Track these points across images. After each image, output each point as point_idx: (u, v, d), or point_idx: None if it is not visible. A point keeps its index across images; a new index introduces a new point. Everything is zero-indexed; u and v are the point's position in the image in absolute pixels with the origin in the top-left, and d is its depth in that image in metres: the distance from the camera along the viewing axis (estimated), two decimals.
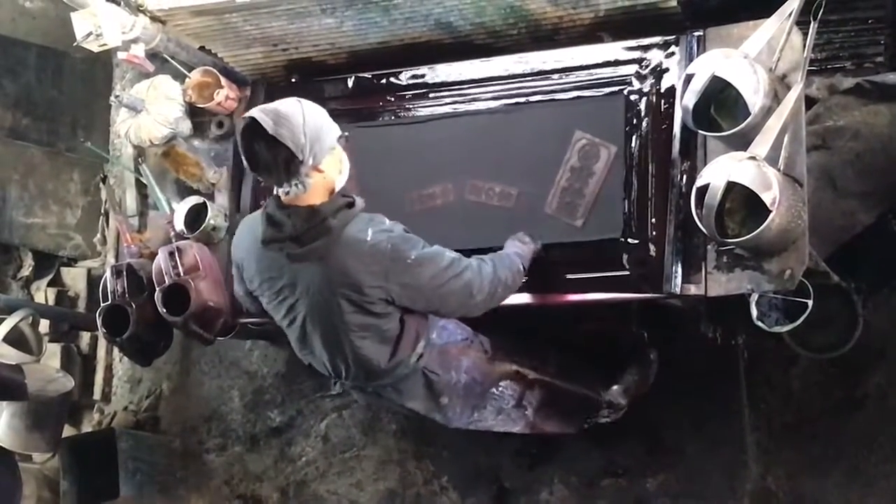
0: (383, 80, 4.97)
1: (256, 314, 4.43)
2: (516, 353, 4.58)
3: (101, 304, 4.98)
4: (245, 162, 3.75)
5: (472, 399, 4.50)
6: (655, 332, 5.06)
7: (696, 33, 4.44)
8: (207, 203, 4.98)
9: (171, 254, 4.81)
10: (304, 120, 3.68)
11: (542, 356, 4.77)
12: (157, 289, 4.78)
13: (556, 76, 4.67)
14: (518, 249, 4.28)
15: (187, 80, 5.11)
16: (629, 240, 4.38)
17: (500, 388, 4.57)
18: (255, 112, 3.66)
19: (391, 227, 3.89)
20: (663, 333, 5.05)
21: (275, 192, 3.85)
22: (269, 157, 3.67)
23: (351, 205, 3.85)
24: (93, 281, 6.68)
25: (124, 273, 4.94)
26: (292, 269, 3.89)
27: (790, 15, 3.98)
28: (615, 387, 4.98)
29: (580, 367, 4.96)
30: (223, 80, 5.06)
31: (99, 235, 6.77)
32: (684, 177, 4.33)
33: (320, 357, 4.17)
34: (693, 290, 4.28)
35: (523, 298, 4.47)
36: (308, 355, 4.24)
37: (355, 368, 4.13)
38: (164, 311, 4.75)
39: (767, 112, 3.97)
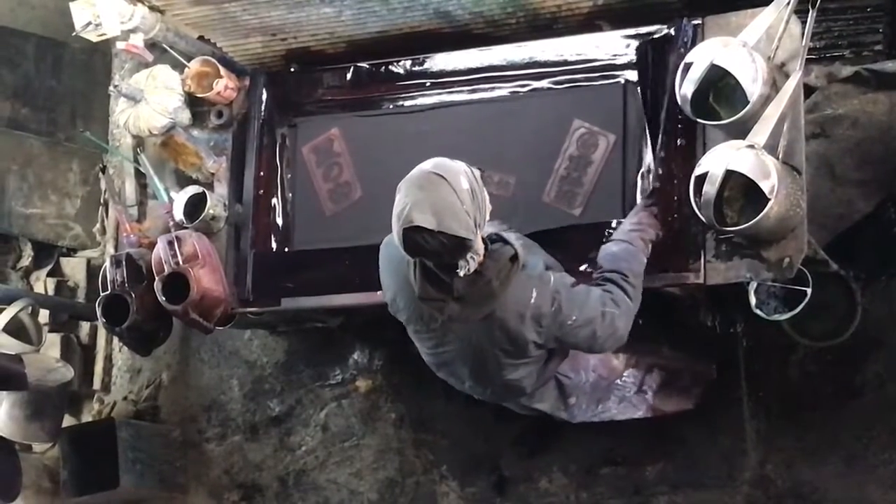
0: (382, 70, 4.97)
1: None
2: (633, 339, 4.55)
3: (101, 294, 4.98)
4: (409, 256, 3.59)
5: (598, 393, 4.50)
6: (653, 320, 5.05)
7: (695, 22, 4.43)
8: (207, 193, 4.98)
9: (171, 243, 4.81)
10: (460, 198, 3.48)
11: (654, 338, 4.74)
12: (157, 277, 4.78)
13: (554, 65, 4.67)
14: (639, 247, 4.14)
15: (186, 69, 5.10)
16: None
17: (624, 378, 4.57)
18: (413, 214, 3.42)
19: (555, 286, 3.78)
20: (662, 322, 5.04)
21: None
22: (439, 247, 3.48)
23: (514, 258, 3.69)
24: (92, 271, 6.67)
25: (124, 262, 4.94)
26: (449, 322, 3.79)
27: (788, 3, 3.97)
28: None
29: (687, 343, 4.95)
30: (222, 70, 5.05)
31: (98, 225, 6.77)
32: (683, 165, 4.32)
33: (464, 382, 4.15)
34: (692, 278, 4.28)
35: None
36: (445, 376, 4.20)
37: (502, 392, 4.15)
38: (164, 299, 4.76)
39: (766, 100, 3.97)
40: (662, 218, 4.28)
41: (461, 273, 3.58)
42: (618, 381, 4.57)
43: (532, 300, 3.71)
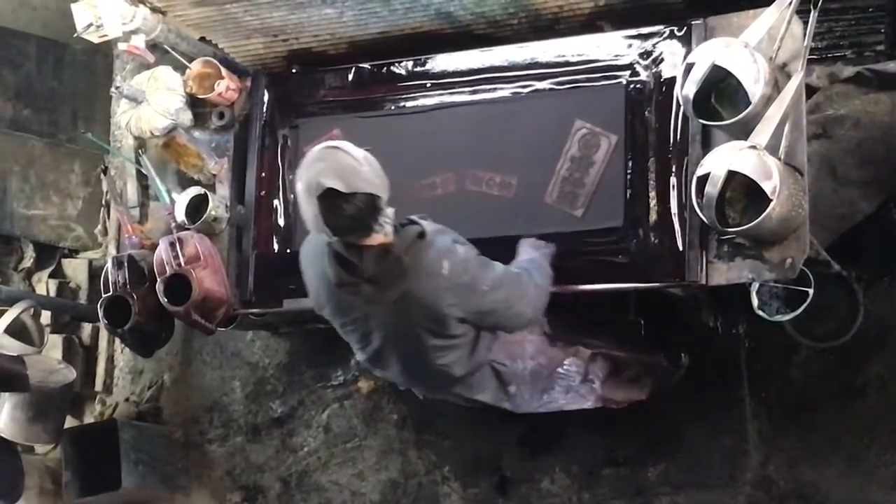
0: (383, 71, 4.96)
1: None
2: (573, 329, 4.57)
3: (103, 295, 4.99)
4: (329, 228, 3.65)
5: (540, 383, 4.49)
6: (654, 321, 5.05)
7: (696, 22, 4.43)
8: (208, 194, 4.98)
9: (172, 244, 4.82)
10: (357, 161, 3.63)
11: (598, 329, 4.75)
12: (159, 278, 4.79)
13: (556, 66, 4.66)
14: (539, 255, 4.31)
15: (188, 70, 5.10)
16: (630, 229, 4.38)
17: (566, 367, 4.54)
18: (322, 181, 3.55)
19: (464, 255, 3.89)
20: (663, 323, 5.04)
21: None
22: (355, 211, 3.60)
23: (422, 234, 3.81)
24: (94, 272, 6.69)
25: (125, 264, 4.95)
26: (368, 307, 3.90)
27: (790, 4, 3.98)
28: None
29: (635, 335, 4.96)
30: (224, 71, 5.06)
31: (100, 226, 6.77)
32: (685, 166, 4.32)
33: (397, 375, 4.25)
34: (694, 279, 4.28)
35: None
36: (381, 372, 4.31)
37: (435, 380, 4.20)
38: (166, 300, 4.76)
39: (768, 101, 3.97)
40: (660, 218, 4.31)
41: (379, 233, 3.69)
42: (559, 369, 4.53)
43: (444, 271, 3.80)
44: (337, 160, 3.62)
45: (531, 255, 4.30)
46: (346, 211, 3.58)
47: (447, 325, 3.91)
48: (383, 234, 3.70)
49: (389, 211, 3.70)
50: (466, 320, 3.96)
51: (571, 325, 4.61)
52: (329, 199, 3.57)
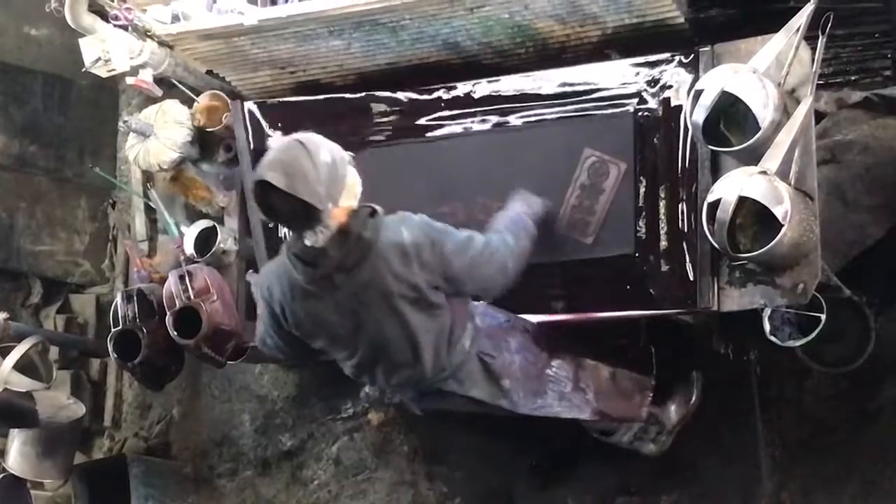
0: (391, 100, 4.96)
1: (290, 356, 4.50)
2: (559, 338, 4.57)
3: (112, 329, 4.98)
4: (263, 216, 3.75)
5: (532, 383, 4.44)
6: (665, 348, 5.04)
7: (705, 49, 4.44)
8: (217, 227, 4.99)
9: (182, 277, 4.82)
10: (314, 165, 3.63)
11: (584, 343, 4.73)
12: (169, 312, 4.78)
13: (564, 94, 4.67)
14: (525, 209, 4.32)
15: (195, 104, 5.12)
16: (640, 256, 4.37)
17: (554, 369, 4.51)
18: (264, 172, 3.61)
19: (420, 220, 3.93)
20: (674, 349, 5.03)
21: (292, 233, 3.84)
22: (289, 211, 3.64)
23: (373, 213, 3.83)
24: (101, 307, 6.68)
25: (135, 298, 4.96)
26: (344, 299, 3.88)
27: (798, 29, 4.00)
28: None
29: (622, 356, 4.91)
30: (231, 104, 5.06)
31: (107, 261, 6.78)
32: (695, 192, 4.32)
33: (383, 380, 4.23)
34: (706, 305, 4.27)
35: (533, 317, 4.51)
36: (368, 379, 4.32)
37: (419, 370, 4.13)
38: (176, 334, 4.76)
39: (777, 126, 3.98)
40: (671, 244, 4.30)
41: (307, 242, 3.71)
42: (548, 371, 4.50)
43: (406, 239, 3.82)
44: (292, 157, 3.63)
45: (517, 210, 4.30)
46: (278, 205, 3.63)
47: (423, 292, 3.90)
48: (326, 236, 3.71)
49: (331, 223, 3.69)
50: (439, 287, 3.95)
51: (557, 335, 4.61)
52: (265, 190, 3.61)
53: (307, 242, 3.72)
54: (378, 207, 3.86)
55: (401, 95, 4.92)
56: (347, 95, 5.03)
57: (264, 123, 5.03)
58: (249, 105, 5.06)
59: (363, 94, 4.99)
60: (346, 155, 3.80)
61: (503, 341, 4.35)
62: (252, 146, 5.00)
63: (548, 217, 4.48)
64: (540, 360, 4.48)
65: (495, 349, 4.30)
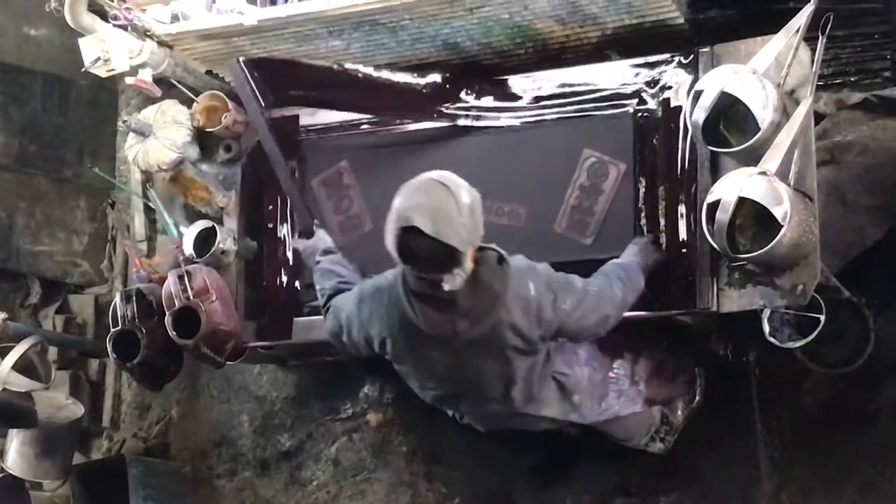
0: None
1: (354, 358, 4.56)
2: (618, 336, 4.52)
3: (111, 330, 4.97)
4: (397, 256, 3.59)
5: (598, 389, 4.50)
6: (665, 348, 5.04)
7: (704, 50, 4.45)
8: (216, 227, 4.98)
9: (181, 277, 4.81)
10: (458, 209, 3.53)
11: (636, 336, 4.74)
12: (168, 312, 4.77)
13: (563, 95, 4.68)
14: (641, 260, 4.26)
15: (195, 104, 5.11)
16: None
17: (615, 370, 4.57)
18: (410, 216, 3.49)
19: (545, 273, 3.89)
20: (673, 350, 5.03)
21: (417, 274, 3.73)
22: (429, 254, 3.54)
23: (501, 259, 3.77)
24: (100, 308, 6.68)
25: (134, 298, 4.94)
26: (458, 345, 3.85)
27: (798, 30, 4.00)
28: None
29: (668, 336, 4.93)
30: (230, 104, 5.06)
31: (106, 262, 6.77)
32: (694, 193, 4.32)
33: (467, 411, 4.36)
34: (705, 306, 4.27)
35: None
36: (448, 408, 4.43)
37: (508, 405, 4.16)
38: (175, 334, 4.75)
39: (777, 127, 3.98)
40: (671, 246, 4.30)
41: (446, 287, 3.61)
42: (610, 373, 4.57)
43: (532, 292, 3.79)
44: (436, 199, 3.53)
45: (633, 262, 4.24)
46: (421, 250, 3.52)
47: (534, 344, 3.92)
48: (461, 279, 3.63)
49: (467, 265, 3.61)
50: (547, 339, 3.99)
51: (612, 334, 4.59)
52: (410, 234, 3.50)
53: (445, 287, 3.61)
54: (502, 252, 3.80)
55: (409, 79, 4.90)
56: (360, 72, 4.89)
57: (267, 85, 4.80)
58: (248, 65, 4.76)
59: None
60: (478, 194, 3.69)
61: (573, 354, 4.39)
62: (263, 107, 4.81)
63: (547, 221, 4.52)
64: (604, 365, 4.54)
65: (567, 365, 4.33)
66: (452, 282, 3.60)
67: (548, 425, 4.48)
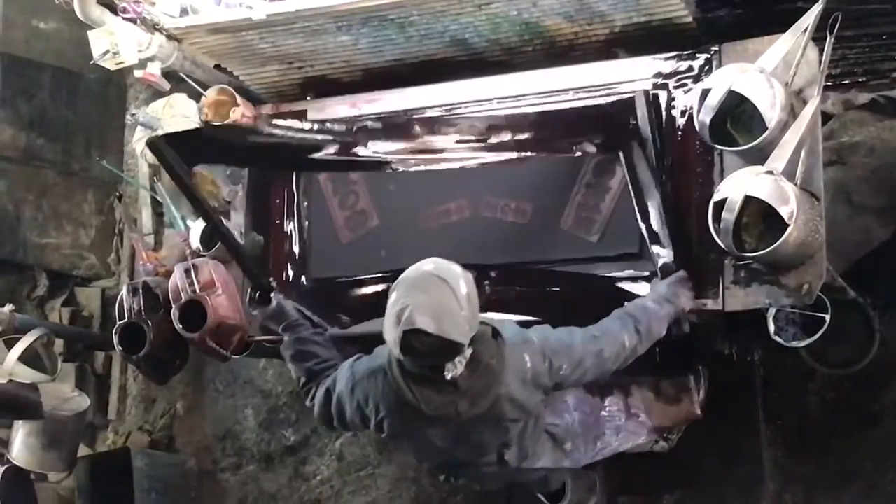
0: (398, 97, 4.96)
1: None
2: None
3: (118, 322, 4.98)
4: (399, 353, 3.58)
5: (592, 430, 4.50)
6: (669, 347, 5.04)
7: (712, 48, 4.44)
8: (223, 220, 4.98)
9: (187, 270, 4.81)
10: (459, 303, 3.52)
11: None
12: (174, 305, 4.78)
13: (571, 92, 4.67)
14: (669, 310, 4.17)
15: (203, 98, 5.11)
16: (645, 255, 4.37)
17: (608, 408, 4.57)
18: (414, 319, 3.45)
19: (540, 340, 3.86)
20: (678, 349, 5.02)
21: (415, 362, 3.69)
22: (432, 350, 3.53)
23: (496, 333, 3.76)
24: (107, 301, 6.71)
25: (140, 291, 4.94)
26: (458, 423, 3.84)
27: (806, 30, 3.99)
28: None
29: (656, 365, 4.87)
30: (239, 99, 5.06)
31: (113, 255, 6.79)
32: (701, 191, 4.32)
33: (466, 477, 4.36)
34: (710, 304, 4.28)
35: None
36: (446, 477, 4.40)
37: (505, 467, 4.15)
38: (181, 327, 4.75)
39: (784, 127, 3.98)
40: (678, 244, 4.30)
41: (448, 375, 3.62)
42: (603, 412, 4.56)
43: (528, 364, 3.79)
44: (438, 298, 3.51)
45: (657, 295, 4.18)
46: (424, 347, 3.51)
47: (531, 412, 3.95)
48: (461, 368, 3.63)
49: (467, 352, 3.62)
50: (544, 400, 4.02)
51: None
52: (414, 335, 3.48)
53: (447, 375, 3.62)
54: (496, 326, 3.79)
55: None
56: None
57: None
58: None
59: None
60: (471, 275, 3.66)
61: (562, 402, 4.38)
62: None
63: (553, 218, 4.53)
64: (595, 407, 4.53)
65: (556, 415, 4.33)
66: (454, 370, 3.62)
67: (543, 472, 4.48)
